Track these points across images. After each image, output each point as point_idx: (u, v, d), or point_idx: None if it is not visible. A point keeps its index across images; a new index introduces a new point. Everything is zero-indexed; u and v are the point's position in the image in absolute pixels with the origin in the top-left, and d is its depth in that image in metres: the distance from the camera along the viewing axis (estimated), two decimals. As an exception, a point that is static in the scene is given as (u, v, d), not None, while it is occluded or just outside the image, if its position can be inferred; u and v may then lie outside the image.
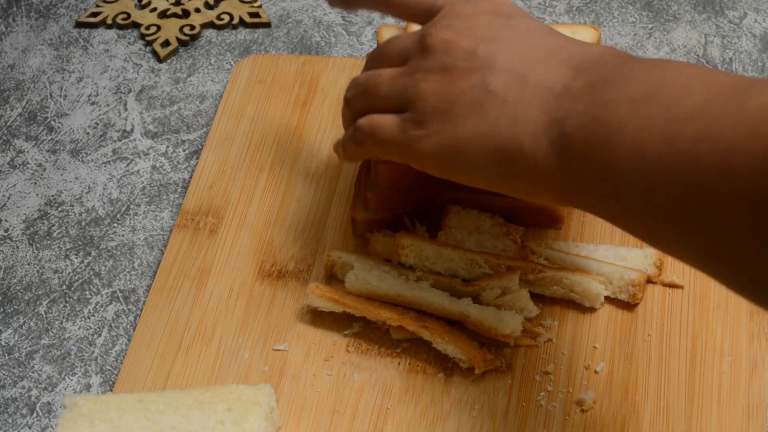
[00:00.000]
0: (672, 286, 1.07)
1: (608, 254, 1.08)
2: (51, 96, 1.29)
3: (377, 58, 1.00)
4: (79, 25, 1.36)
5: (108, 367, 1.07)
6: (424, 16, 0.97)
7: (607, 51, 0.89)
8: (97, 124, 1.26)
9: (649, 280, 1.07)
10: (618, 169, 0.80)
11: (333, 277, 1.09)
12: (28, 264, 1.15)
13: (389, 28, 1.18)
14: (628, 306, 1.06)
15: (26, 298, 1.12)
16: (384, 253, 1.08)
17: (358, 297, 1.05)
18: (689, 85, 0.79)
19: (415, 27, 1.04)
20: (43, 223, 1.18)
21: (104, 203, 1.19)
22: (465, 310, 1.02)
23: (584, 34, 1.17)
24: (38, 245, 1.16)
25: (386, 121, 0.95)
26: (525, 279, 1.05)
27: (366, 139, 0.97)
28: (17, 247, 1.16)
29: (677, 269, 1.08)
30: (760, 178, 0.70)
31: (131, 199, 1.19)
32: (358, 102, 0.99)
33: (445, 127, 0.90)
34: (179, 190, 1.20)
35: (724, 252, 0.74)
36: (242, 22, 1.35)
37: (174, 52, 1.32)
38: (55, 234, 1.17)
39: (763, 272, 0.72)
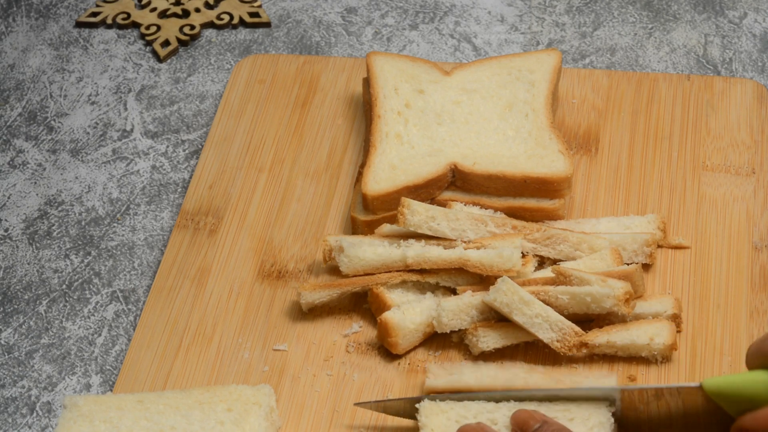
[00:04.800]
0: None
1: (612, 225, 1.09)
2: (51, 96, 1.29)
3: None
4: (79, 25, 1.36)
5: (108, 367, 1.07)
6: None
7: None
8: (97, 123, 1.26)
9: (657, 245, 1.09)
10: None
11: (333, 267, 1.09)
12: (28, 264, 1.15)
13: (379, 54, 1.19)
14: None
15: (26, 297, 1.12)
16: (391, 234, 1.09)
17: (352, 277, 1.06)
18: None
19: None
20: (43, 223, 1.18)
21: (104, 203, 1.19)
22: (463, 255, 1.04)
23: (544, 58, 1.18)
24: (38, 245, 1.16)
25: None
26: (531, 239, 1.06)
27: None
28: (17, 247, 1.16)
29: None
30: None
31: (131, 199, 1.19)
32: None
33: None
34: (179, 190, 1.20)
35: None
36: (242, 22, 1.35)
37: (174, 52, 1.32)
38: (55, 234, 1.17)
39: None
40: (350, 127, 1.22)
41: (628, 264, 1.07)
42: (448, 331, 1.03)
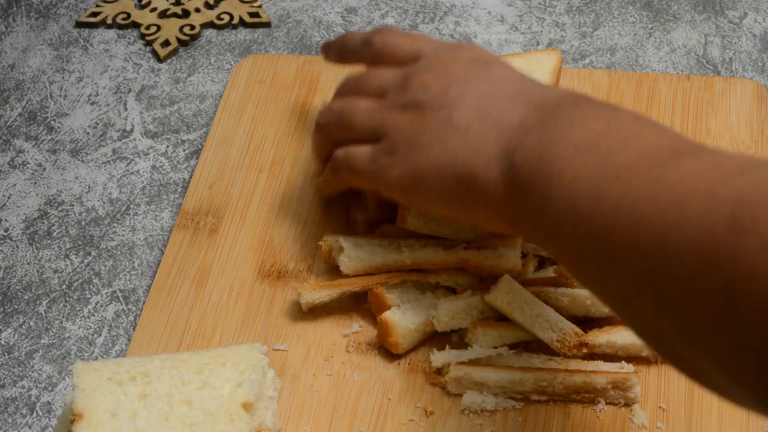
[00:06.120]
0: None
1: None
2: (51, 96, 1.29)
3: (354, 88, 1.06)
4: (79, 25, 1.36)
5: (108, 367, 1.07)
6: (409, 61, 1.04)
7: (567, 93, 0.93)
8: (97, 123, 1.26)
9: None
10: (554, 211, 0.83)
11: (333, 267, 1.09)
12: (28, 264, 1.15)
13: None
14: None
15: (26, 297, 1.12)
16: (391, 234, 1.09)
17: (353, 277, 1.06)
18: (626, 142, 0.82)
19: None
20: (43, 223, 1.18)
21: (104, 203, 1.19)
22: (463, 255, 1.04)
23: (544, 58, 1.18)
24: (38, 245, 1.16)
25: (360, 152, 1.01)
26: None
27: (341, 169, 1.03)
28: (17, 247, 1.16)
29: None
30: (657, 260, 0.72)
31: (131, 199, 1.19)
32: (332, 129, 1.06)
33: (411, 157, 0.97)
34: (179, 190, 1.20)
35: (634, 316, 0.77)
36: (242, 22, 1.35)
37: (174, 52, 1.32)
38: (55, 234, 1.17)
39: (660, 336, 0.75)
40: (350, 127, 1.22)
41: None
42: (448, 330, 1.03)
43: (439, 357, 1.01)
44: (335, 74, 1.26)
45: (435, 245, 1.06)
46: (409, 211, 1.06)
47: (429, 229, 1.06)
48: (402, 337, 1.03)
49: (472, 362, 1.00)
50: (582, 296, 1.01)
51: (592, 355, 1.02)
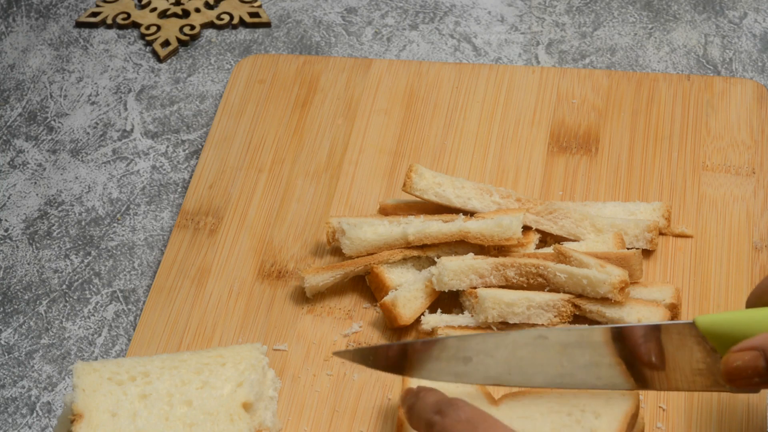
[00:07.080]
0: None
1: (617, 210, 1.11)
2: (51, 96, 1.29)
3: None
4: (79, 25, 1.36)
5: (108, 367, 1.07)
6: None
7: None
8: (97, 124, 1.26)
9: (660, 233, 1.10)
10: None
11: (336, 249, 1.10)
12: (28, 264, 1.15)
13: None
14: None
15: (26, 297, 1.12)
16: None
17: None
18: None
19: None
20: (43, 223, 1.18)
21: (104, 203, 1.19)
22: (463, 227, 1.05)
23: (616, 400, 0.99)
24: (38, 245, 1.16)
25: None
26: (534, 211, 1.08)
27: None
28: (17, 247, 1.16)
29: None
30: None
31: (131, 199, 1.19)
32: None
33: None
34: (179, 190, 1.20)
35: None
36: (242, 22, 1.35)
37: (174, 52, 1.32)
38: (55, 234, 1.17)
39: None
40: (350, 127, 1.22)
41: (629, 249, 1.07)
42: (446, 291, 1.03)
43: (429, 320, 1.02)
44: (335, 74, 1.26)
45: (436, 220, 1.07)
46: (417, 174, 1.07)
47: (434, 194, 1.08)
48: (403, 306, 1.04)
49: (462, 328, 1.02)
50: (579, 275, 1.01)
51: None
